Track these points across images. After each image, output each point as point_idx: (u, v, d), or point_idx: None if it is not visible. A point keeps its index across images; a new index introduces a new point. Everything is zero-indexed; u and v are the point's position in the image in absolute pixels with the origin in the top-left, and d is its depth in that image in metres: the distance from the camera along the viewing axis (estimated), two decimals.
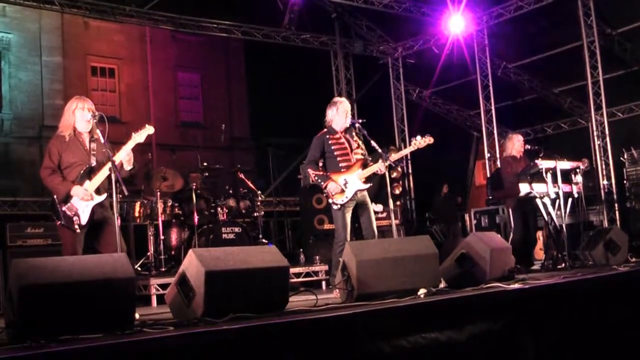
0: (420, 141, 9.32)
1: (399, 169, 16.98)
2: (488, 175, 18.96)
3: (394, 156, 9.40)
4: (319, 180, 9.23)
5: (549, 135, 22.32)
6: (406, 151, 10.12)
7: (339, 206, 9.11)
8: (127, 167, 7.93)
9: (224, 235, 12.13)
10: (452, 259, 8.05)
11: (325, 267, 12.33)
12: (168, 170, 12.79)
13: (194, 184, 12.46)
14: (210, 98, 30.18)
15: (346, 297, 6.87)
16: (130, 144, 7.83)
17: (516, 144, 11.95)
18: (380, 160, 9.13)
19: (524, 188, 11.04)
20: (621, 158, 17.31)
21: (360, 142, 9.43)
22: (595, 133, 16.82)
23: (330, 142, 9.29)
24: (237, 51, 29.78)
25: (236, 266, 5.99)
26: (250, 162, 25.74)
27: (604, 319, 7.34)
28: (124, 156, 7.81)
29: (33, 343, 4.52)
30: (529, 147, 12.07)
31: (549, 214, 11.18)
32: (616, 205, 16.41)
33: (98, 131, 7.89)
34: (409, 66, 21.22)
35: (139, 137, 7.86)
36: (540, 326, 6.61)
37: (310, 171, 9.37)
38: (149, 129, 7.92)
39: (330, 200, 9.20)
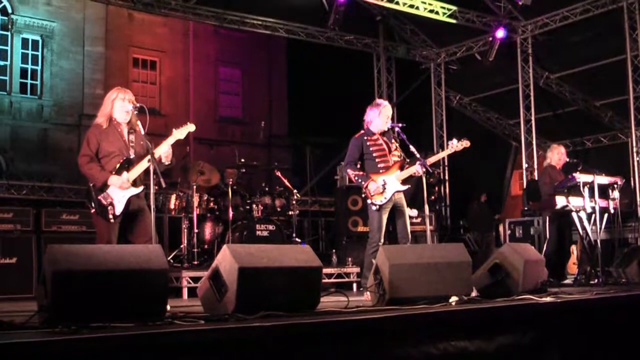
0: (457, 144, 9.30)
1: (435, 174, 16.87)
2: (524, 186, 18.83)
3: (431, 159, 9.35)
4: (360, 180, 9.18)
5: (588, 149, 22.08)
6: (443, 154, 10.16)
7: (377, 207, 9.07)
8: (166, 162, 7.95)
9: (258, 232, 12.15)
10: (485, 268, 8.01)
11: (357, 269, 12.28)
12: (205, 165, 12.80)
13: (230, 179, 12.46)
14: (250, 94, 30.28)
15: (377, 301, 6.85)
16: (171, 139, 7.87)
17: (557, 156, 11.88)
18: (417, 163, 9.10)
19: (560, 201, 10.94)
20: None
21: (397, 145, 9.38)
22: (634, 149, 16.66)
23: (368, 143, 9.25)
24: (280, 48, 29.83)
25: (269, 264, 6.01)
26: (287, 160, 25.83)
27: (635, 337, 7.28)
28: (163, 151, 7.85)
29: (64, 328, 4.53)
30: (569, 160, 12.01)
31: (584, 228, 11.07)
32: None
33: (138, 123, 7.93)
34: (451, 72, 21.18)
35: (179, 133, 7.90)
36: (568, 341, 6.57)
37: (350, 171, 9.35)
38: (190, 127, 7.97)
39: (369, 201, 9.17)
